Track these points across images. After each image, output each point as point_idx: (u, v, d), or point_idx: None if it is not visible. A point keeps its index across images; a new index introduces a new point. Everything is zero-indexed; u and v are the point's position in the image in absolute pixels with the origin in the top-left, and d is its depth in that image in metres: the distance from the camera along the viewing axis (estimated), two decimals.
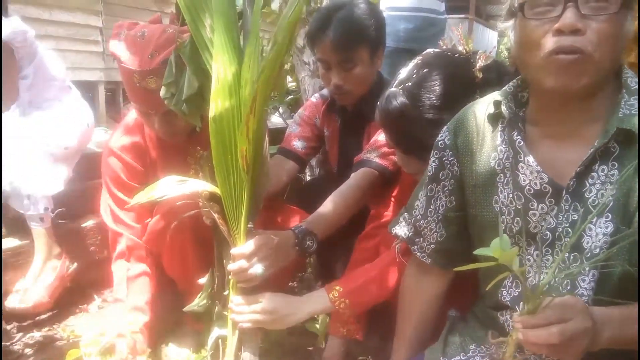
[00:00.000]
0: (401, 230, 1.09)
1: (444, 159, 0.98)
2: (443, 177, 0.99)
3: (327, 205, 1.36)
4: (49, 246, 1.61)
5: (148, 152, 1.47)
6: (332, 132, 1.71)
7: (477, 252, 0.68)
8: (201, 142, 1.26)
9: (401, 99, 1.11)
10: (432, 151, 1.00)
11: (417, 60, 1.16)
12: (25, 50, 1.67)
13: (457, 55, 1.16)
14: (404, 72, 1.16)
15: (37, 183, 1.57)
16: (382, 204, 1.45)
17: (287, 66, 2.42)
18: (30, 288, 1.55)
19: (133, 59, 1.24)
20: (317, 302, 1.19)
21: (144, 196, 1.16)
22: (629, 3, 0.76)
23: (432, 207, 1.01)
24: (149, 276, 1.43)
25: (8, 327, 1.55)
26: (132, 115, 1.50)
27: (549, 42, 0.77)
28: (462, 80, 1.12)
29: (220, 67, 1.06)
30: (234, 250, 1.15)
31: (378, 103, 1.18)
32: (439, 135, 0.99)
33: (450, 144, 0.97)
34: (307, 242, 1.25)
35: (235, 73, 1.08)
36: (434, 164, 1.00)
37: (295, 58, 2.14)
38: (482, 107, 0.95)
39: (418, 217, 1.04)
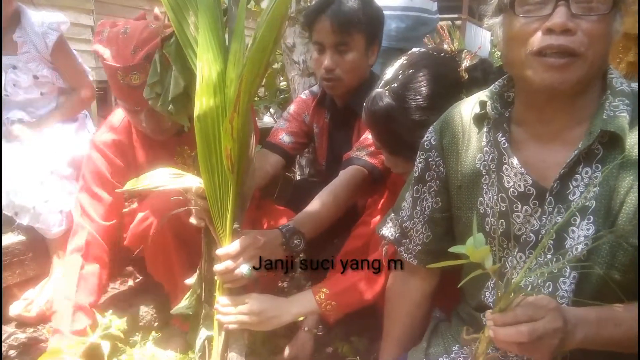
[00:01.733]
0: (388, 231, 1.09)
1: (430, 159, 0.97)
2: (429, 178, 0.98)
3: (315, 204, 1.35)
4: None
5: (133, 151, 1.46)
6: (321, 127, 1.71)
7: (451, 249, 0.68)
8: (189, 141, 1.25)
9: (387, 100, 1.11)
10: (418, 152, 1.00)
11: (402, 60, 1.16)
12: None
13: (442, 54, 1.15)
14: (389, 73, 1.15)
15: (68, 198, 1.61)
16: (378, 194, 1.44)
17: (277, 65, 2.41)
18: (37, 299, 1.57)
19: (116, 56, 1.24)
20: (304, 303, 1.18)
21: (136, 183, 1.14)
22: (618, 3, 0.76)
23: (418, 208, 1.00)
24: (100, 278, 1.40)
25: None
26: (119, 112, 1.48)
27: (538, 40, 0.76)
28: (448, 80, 1.11)
29: (205, 65, 1.05)
30: (219, 251, 1.14)
31: (364, 103, 1.17)
32: (425, 136, 0.99)
33: (436, 144, 0.96)
34: (295, 241, 1.24)
35: (220, 72, 1.07)
36: (420, 164, 0.99)
37: (285, 57, 2.13)
38: (468, 107, 0.94)
39: (404, 218, 1.03)
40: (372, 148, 1.43)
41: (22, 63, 1.73)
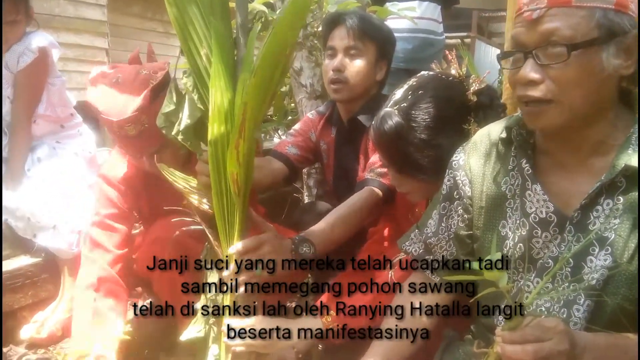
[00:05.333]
0: (412, 247, 1.10)
1: (457, 178, 0.99)
2: (457, 196, 0.99)
3: (328, 220, 1.34)
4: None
5: (140, 180, 1.49)
6: (328, 143, 1.73)
7: (468, 266, 0.70)
8: (193, 171, 1.27)
9: (396, 119, 1.13)
10: (447, 170, 1.02)
11: (411, 81, 1.18)
12: (53, 61, 1.77)
13: (450, 78, 1.18)
14: (398, 93, 1.17)
15: (84, 218, 1.61)
16: (381, 221, 1.46)
17: (285, 88, 2.45)
18: (47, 321, 1.59)
19: (109, 109, 1.28)
20: (310, 327, 1.18)
21: None
22: (604, 39, 0.75)
23: (443, 224, 1.02)
24: (116, 312, 1.37)
25: (4, 350, 1.55)
26: None
27: (518, 91, 0.82)
28: (455, 103, 1.13)
29: (217, 93, 1.08)
30: (233, 248, 1.13)
31: (372, 123, 1.20)
32: (454, 155, 1.01)
33: (464, 164, 0.98)
34: (304, 249, 1.23)
35: (231, 99, 1.10)
36: (448, 182, 1.01)
37: (293, 80, 2.17)
38: (497, 131, 0.96)
39: (429, 235, 1.05)
40: (385, 169, 1.44)
41: None
